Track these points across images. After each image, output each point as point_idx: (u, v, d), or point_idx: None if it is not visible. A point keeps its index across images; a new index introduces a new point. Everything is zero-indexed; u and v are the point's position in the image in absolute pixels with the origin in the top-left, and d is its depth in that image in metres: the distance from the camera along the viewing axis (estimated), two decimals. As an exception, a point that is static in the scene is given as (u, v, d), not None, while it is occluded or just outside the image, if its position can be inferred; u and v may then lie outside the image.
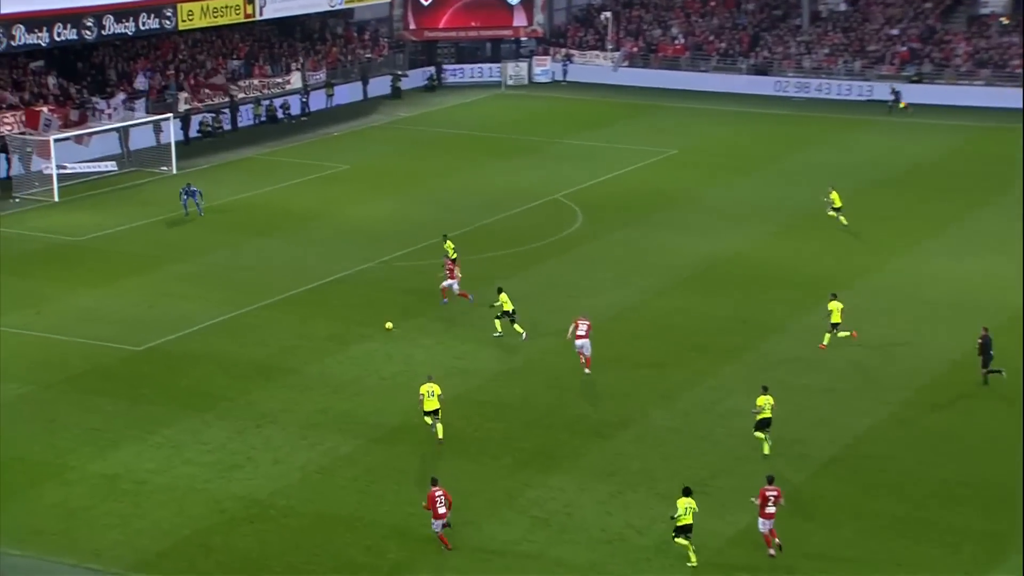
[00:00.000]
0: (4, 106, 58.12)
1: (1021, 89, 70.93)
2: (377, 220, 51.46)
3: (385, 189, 56.25)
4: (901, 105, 70.79)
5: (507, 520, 28.32)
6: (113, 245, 48.20)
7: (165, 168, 58.52)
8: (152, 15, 61.10)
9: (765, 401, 31.46)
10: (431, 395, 31.79)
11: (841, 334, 37.31)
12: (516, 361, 36.98)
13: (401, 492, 29.37)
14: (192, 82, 67.52)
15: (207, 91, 67.67)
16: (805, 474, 30.27)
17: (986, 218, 51.14)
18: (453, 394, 33.91)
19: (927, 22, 79.51)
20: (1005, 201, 52.99)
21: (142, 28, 61.01)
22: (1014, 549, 27.00)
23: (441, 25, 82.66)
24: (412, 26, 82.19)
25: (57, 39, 57.45)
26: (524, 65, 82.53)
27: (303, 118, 71.12)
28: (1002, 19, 78.12)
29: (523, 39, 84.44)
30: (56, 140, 55.14)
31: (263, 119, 69.61)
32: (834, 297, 37.88)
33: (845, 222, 48.82)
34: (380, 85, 77.43)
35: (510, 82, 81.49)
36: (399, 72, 78.82)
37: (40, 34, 56.70)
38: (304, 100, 71.91)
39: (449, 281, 40.69)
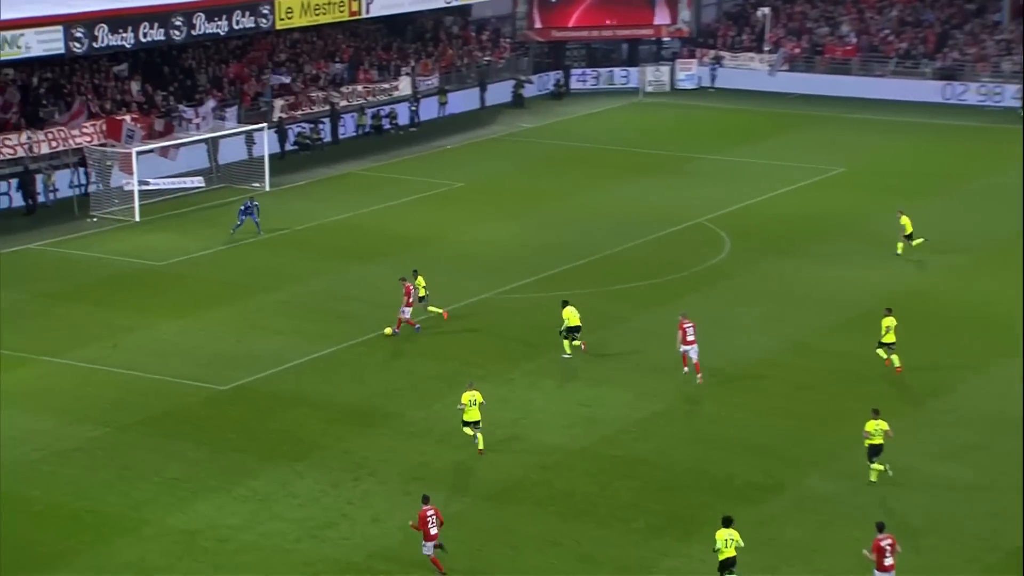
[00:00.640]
0: (84, 115, 59.43)
1: None
2: (495, 245, 51.67)
3: (504, 210, 56.51)
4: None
5: (639, 594, 28.14)
6: (198, 271, 49.06)
7: (257, 184, 59.43)
8: (247, 13, 62.15)
9: (875, 427, 31.54)
10: (473, 403, 33.52)
11: (894, 356, 38.21)
12: (652, 408, 36.75)
13: (517, 559, 29.27)
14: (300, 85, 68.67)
15: (306, 98, 68.72)
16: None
17: None
18: (578, 446, 33.73)
19: None
20: None
21: (235, 27, 62.15)
22: None
23: (571, 24, 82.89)
24: (538, 25, 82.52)
25: (143, 40, 58.71)
26: (665, 69, 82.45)
27: (412, 129, 71.85)
28: None
29: (665, 39, 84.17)
30: (139, 153, 56.09)
31: (367, 130, 70.47)
32: (889, 312, 38.51)
33: (915, 244, 48.76)
34: (500, 92, 78.01)
35: (649, 89, 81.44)
36: (522, 77, 79.28)
37: (124, 34, 57.97)
38: (414, 109, 72.60)
39: (405, 309, 41.64)
